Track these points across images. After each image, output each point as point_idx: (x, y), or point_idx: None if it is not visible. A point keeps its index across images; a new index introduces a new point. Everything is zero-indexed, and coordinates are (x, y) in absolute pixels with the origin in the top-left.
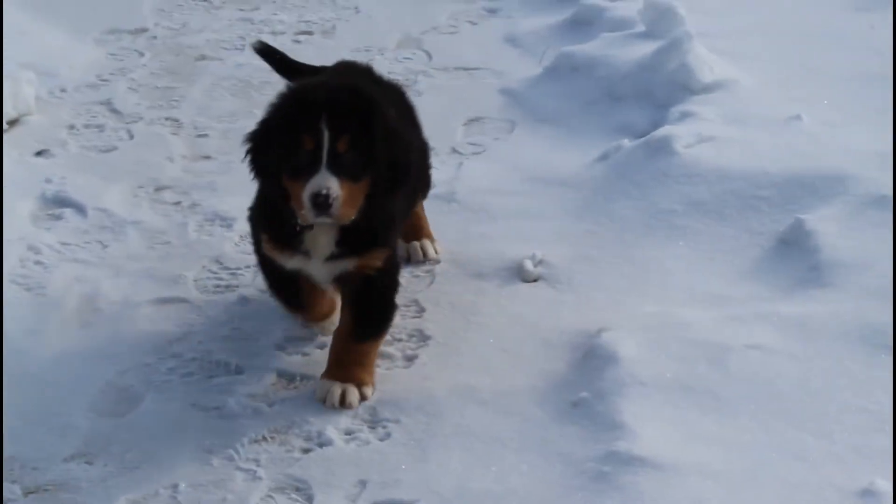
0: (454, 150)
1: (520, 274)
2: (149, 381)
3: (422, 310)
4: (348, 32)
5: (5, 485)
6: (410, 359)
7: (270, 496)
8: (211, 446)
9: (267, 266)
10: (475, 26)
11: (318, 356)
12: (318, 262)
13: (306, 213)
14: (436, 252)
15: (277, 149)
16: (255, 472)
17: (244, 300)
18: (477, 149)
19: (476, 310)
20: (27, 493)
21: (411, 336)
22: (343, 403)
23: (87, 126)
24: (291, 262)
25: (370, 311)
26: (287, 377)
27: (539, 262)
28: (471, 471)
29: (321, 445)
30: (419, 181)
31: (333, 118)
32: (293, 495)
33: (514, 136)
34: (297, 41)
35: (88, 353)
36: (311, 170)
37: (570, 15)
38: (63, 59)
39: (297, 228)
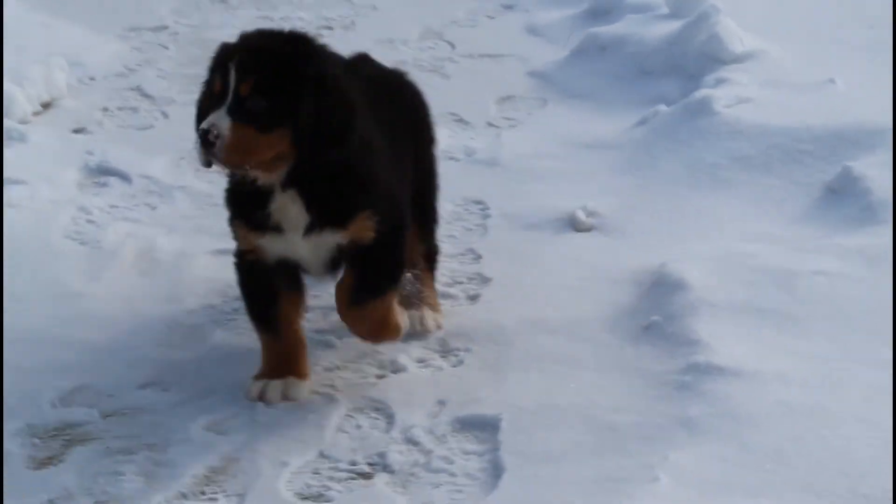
0: (490, 124)
1: (572, 224)
2: (216, 321)
3: (478, 257)
4: (368, 27)
5: (83, 409)
6: (474, 297)
7: (350, 415)
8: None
9: (245, 271)
10: (493, 20)
11: None
12: (296, 238)
13: (198, 154)
14: (438, 326)
15: (201, 95)
16: (333, 395)
17: None
18: (512, 122)
19: (533, 255)
20: (105, 416)
21: (471, 279)
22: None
23: (120, 108)
24: (268, 243)
25: (367, 271)
26: None
27: (591, 214)
28: (550, 388)
29: (395, 372)
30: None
31: (243, 61)
32: (373, 414)
33: (547, 110)
34: (320, 35)
35: (152, 297)
36: (213, 110)
37: (588, 6)
38: (88, 52)
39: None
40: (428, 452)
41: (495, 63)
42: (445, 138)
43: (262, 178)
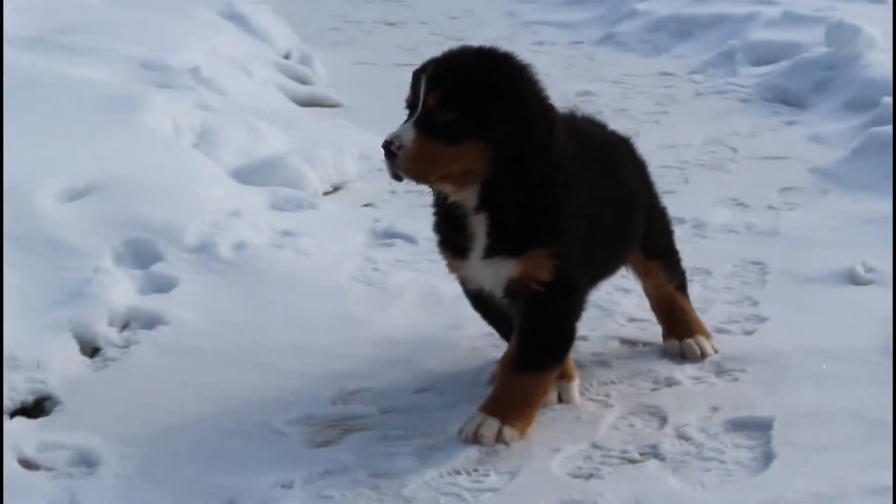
0: (770, 207)
1: (851, 278)
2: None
3: (756, 303)
4: (652, 137)
5: (362, 406)
6: (749, 332)
7: (624, 417)
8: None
9: (470, 297)
10: (775, 132)
11: (656, 331)
12: (478, 262)
13: (386, 166)
14: (714, 350)
15: None
16: (607, 401)
17: None
18: (792, 206)
19: (810, 301)
20: (383, 412)
21: (748, 319)
22: (476, 435)
23: (408, 192)
24: (463, 269)
25: (533, 336)
26: (630, 343)
27: (870, 269)
28: (824, 397)
29: (669, 385)
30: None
31: (434, 74)
32: (646, 416)
33: (828, 197)
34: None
35: (433, 324)
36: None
37: (869, 116)
38: (377, 150)
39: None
40: (699, 445)
41: (777, 163)
42: (725, 217)
43: (452, 194)
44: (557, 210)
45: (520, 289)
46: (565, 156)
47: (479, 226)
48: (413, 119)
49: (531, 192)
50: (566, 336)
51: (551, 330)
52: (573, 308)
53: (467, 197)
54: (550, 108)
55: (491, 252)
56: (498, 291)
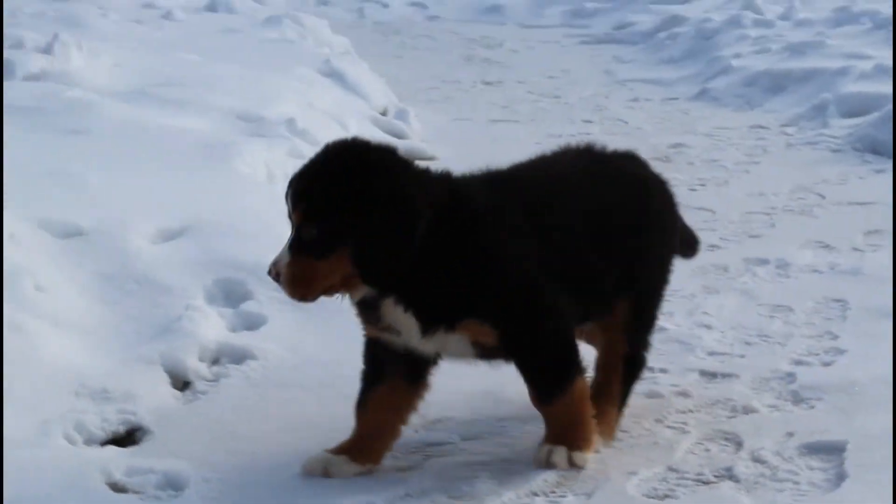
0: (855, 249)
1: None
2: None
3: (835, 336)
4: (742, 184)
5: (444, 433)
6: (827, 364)
7: (700, 443)
8: (640, 413)
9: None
10: (863, 180)
11: (735, 364)
12: (416, 339)
13: None
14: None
15: None
16: (684, 428)
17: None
18: (877, 247)
19: (888, 334)
20: (464, 439)
21: (827, 352)
22: (548, 463)
23: None
24: (387, 336)
25: (535, 376)
26: (709, 375)
27: None
28: None
29: (746, 413)
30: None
31: (294, 192)
32: (722, 442)
33: None
34: (693, 189)
35: None
36: None
37: None
38: None
39: None
40: (774, 468)
41: (863, 208)
42: (809, 258)
43: (352, 297)
44: (473, 282)
45: (485, 350)
46: (476, 222)
47: (394, 308)
48: (289, 241)
49: (435, 274)
50: (565, 358)
51: (546, 365)
52: (553, 335)
53: (366, 292)
54: (408, 198)
55: (426, 331)
56: (458, 353)
